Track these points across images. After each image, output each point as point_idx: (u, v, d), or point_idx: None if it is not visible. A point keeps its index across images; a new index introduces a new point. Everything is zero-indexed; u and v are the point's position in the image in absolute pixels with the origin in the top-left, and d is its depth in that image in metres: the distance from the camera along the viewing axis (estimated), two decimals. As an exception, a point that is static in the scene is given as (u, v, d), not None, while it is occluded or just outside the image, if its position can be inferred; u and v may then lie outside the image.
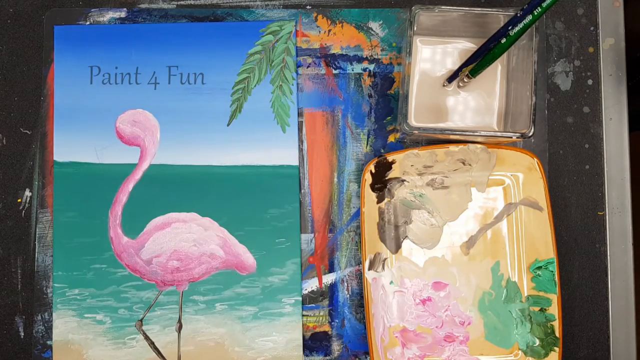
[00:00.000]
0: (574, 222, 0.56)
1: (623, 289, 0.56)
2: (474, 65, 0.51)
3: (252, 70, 0.57)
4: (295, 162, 0.56)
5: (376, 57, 0.57)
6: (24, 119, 0.57)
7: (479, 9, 0.50)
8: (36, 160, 0.56)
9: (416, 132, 0.50)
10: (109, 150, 0.56)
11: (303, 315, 0.55)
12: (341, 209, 0.56)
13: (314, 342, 0.55)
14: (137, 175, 0.56)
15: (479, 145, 0.53)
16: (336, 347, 0.55)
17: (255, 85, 0.57)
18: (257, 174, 0.56)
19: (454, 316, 0.54)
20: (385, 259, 0.54)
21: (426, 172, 0.54)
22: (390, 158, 0.54)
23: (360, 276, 0.56)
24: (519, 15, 0.47)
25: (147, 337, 0.55)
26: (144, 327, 0.55)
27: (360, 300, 0.56)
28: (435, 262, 0.55)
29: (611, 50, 0.58)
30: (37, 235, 0.56)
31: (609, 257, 0.56)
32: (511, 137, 0.50)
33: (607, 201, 0.56)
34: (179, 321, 0.55)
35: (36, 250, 0.56)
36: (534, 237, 0.54)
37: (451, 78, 0.54)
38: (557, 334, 0.52)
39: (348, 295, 0.56)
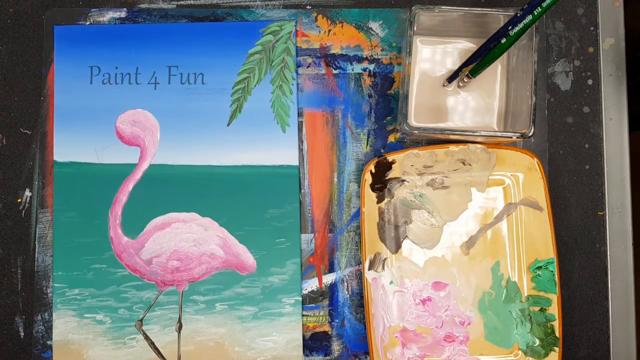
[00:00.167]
0: (574, 222, 0.56)
1: (623, 289, 0.56)
2: (474, 65, 0.51)
3: (252, 70, 0.57)
4: (295, 162, 0.56)
5: (376, 57, 0.57)
6: (24, 119, 0.57)
7: (479, 9, 0.50)
8: (36, 160, 0.56)
9: (416, 132, 0.50)
10: (109, 150, 0.56)
11: (303, 315, 0.55)
12: (341, 209, 0.56)
13: (314, 342, 0.55)
14: (137, 175, 0.56)
15: (479, 145, 0.53)
16: (336, 347, 0.55)
17: (255, 85, 0.57)
18: (257, 174, 0.56)
19: (454, 316, 0.54)
20: (385, 259, 0.54)
21: (426, 172, 0.54)
22: (390, 158, 0.54)
23: (360, 276, 0.56)
24: (519, 15, 0.47)
25: (147, 337, 0.55)
26: (144, 327, 0.55)
27: (360, 300, 0.56)
28: (435, 262, 0.55)
29: (611, 50, 0.58)
30: (37, 235, 0.56)
31: (609, 257, 0.56)
32: (511, 137, 0.50)
33: (607, 201, 0.56)
34: (179, 321, 0.55)
35: (36, 250, 0.56)
36: (534, 237, 0.54)
37: (451, 78, 0.54)
38: (557, 334, 0.52)
39: (348, 295, 0.56)
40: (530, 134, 0.49)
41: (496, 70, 0.55)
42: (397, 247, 0.55)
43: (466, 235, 0.55)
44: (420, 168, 0.54)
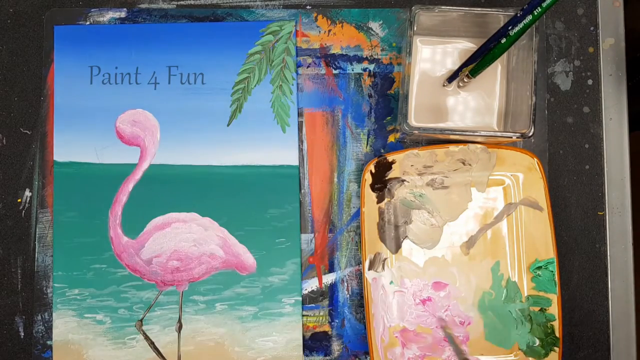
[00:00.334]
0: (574, 222, 0.56)
1: (623, 289, 0.56)
2: (474, 65, 0.51)
3: (252, 70, 0.57)
4: (295, 162, 0.56)
5: (376, 57, 0.57)
6: (24, 119, 0.57)
7: (479, 9, 0.50)
8: (36, 160, 0.56)
9: (416, 132, 0.50)
10: (109, 150, 0.56)
11: (303, 315, 0.55)
12: (341, 209, 0.56)
13: (314, 342, 0.55)
14: (137, 175, 0.56)
15: (479, 145, 0.53)
16: (336, 347, 0.55)
17: (255, 85, 0.57)
18: (257, 174, 0.56)
19: (454, 316, 0.54)
20: (385, 259, 0.54)
21: (426, 172, 0.54)
22: (390, 158, 0.54)
23: (360, 276, 0.56)
24: (519, 15, 0.47)
25: (147, 337, 0.55)
26: (144, 327, 0.55)
27: (360, 300, 0.56)
28: (435, 262, 0.55)
29: (611, 50, 0.58)
30: (37, 235, 0.56)
31: (609, 257, 0.56)
32: (511, 137, 0.50)
33: (607, 201, 0.56)
34: (179, 321, 0.55)
35: (36, 250, 0.56)
36: (534, 237, 0.54)
37: (451, 78, 0.54)
38: (557, 334, 0.52)
39: (348, 295, 0.56)
40: (530, 134, 0.49)
41: (496, 70, 0.55)
42: (397, 247, 0.55)
43: (466, 235, 0.55)
44: (420, 168, 0.54)
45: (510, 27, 0.48)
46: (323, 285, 0.56)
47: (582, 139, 0.57)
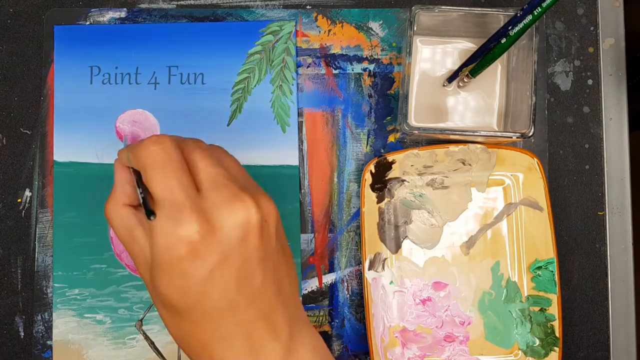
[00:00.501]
0: (574, 222, 0.56)
1: (623, 289, 0.56)
2: (474, 65, 0.51)
3: (252, 70, 0.57)
4: (295, 162, 0.56)
5: (376, 57, 0.57)
6: (24, 119, 0.57)
7: (479, 9, 0.50)
8: (36, 160, 0.56)
9: (416, 132, 0.50)
10: (109, 150, 0.56)
11: (303, 315, 0.55)
12: (341, 209, 0.56)
13: (314, 342, 0.55)
14: (137, 175, 0.56)
15: (479, 145, 0.53)
16: (336, 347, 0.55)
17: (255, 85, 0.57)
18: (257, 174, 0.56)
19: (454, 316, 0.54)
20: (385, 259, 0.54)
21: (426, 172, 0.54)
22: (390, 158, 0.54)
23: (360, 276, 0.56)
24: (519, 15, 0.47)
25: (147, 337, 0.55)
26: (144, 327, 0.55)
27: (360, 300, 0.56)
28: (435, 262, 0.55)
29: (611, 50, 0.58)
30: (37, 235, 0.56)
31: (609, 257, 0.56)
32: (511, 137, 0.50)
33: (607, 201, 0.56)
34: (179, 321, 0.55)
35: (36, 250, 0.56)
36: (534, 237, 0.54)
37: (451, 78, 0.54)
38: (557, 334, 0.52)
39: (348, 295, 0.56)
40: (530, 134, 0.49)
41: (496, 70, 0.55)
42: (397, 247, 0.55)
43: (466, 235, 0.55)
44: (420, 168, 0.54)
45: (510, 27, 0.48)
46: (323, 285, 0.56)
47: (582, 139, 0.57)
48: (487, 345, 0.54)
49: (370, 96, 0.57)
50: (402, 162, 0.54)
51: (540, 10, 0.46)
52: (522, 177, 0.54)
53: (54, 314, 0.55)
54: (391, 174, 0.54)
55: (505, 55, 0.54)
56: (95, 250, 0.55)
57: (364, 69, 0.57)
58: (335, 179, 0.56)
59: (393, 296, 0.54)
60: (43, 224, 0.56)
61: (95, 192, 0.56)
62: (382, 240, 0.54)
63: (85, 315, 0.55)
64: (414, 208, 0.55)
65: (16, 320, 0.55)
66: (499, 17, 0.51)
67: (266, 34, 0.57)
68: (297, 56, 0.57)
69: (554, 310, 0.53)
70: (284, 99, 0.57)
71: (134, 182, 0.40)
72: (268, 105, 0.56)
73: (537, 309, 0.53)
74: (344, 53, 0.57)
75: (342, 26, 0.57)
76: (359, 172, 0.56)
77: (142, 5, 0.58)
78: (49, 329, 0.55)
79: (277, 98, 0.57)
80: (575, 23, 0.58)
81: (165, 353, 0.55)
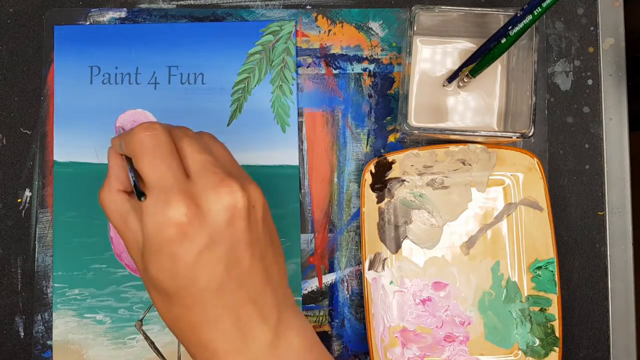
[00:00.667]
0: (574, 222, 0.56)
1: (623, 289, 0.56)
2: (474, 65, 0.51)
3: (252, 70, 0.57)
4: (295, 162, 0.56)
5: (376, 57, 0.57)
6: (24, 119, 0.57)
7: (479, 9, 0.50)
8: (36, 160, 0.56)
9: (416, 132, 0.50)
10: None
11: (303, 315, 0.55)
12: (341, 209, 0.56)
13: (314, 342, 0.55)
14: (137, 175, 0.56)
15: (479, 145, 0.53)
16: (336, 347, 0.55)
17: (255, 85, 0.57)
18: (257, 174, 0.56)
19: (454, 316, 0.54)
20: (385, 259, 0.54)
21: (426, 172, 0.54)
22: (390, 158, 0.54)
23: (360, 276, 0.56)
24: (519, 15, 0.47)
25: (147, 337, 0.55)
26: (144, 327, 0.55)
27: (360, 300, 0.56)
28: (435, 262, 0.55)
29: (611, 50, 0.58)
30: (37, 235, 0.56)
31: (609, 257, 0.56)
32: (511, 137, 0.50)
33: (607, 201, 0.56)
34: (179, 321, 0.55)
35: (36, 250, 0.56)
36: (534, 237, 0.54)
37: (451, 78, 0.54)
38: (557, 334, 0.52)
39: (348, 295, 0.56)
40: (530, 134, 0.49)
41: (496, 70, 0.55)
42: (397, 247, 0.55)
43: (466, 235, 0.55)
44: (420, 168, 0.54)
45: (510, 27, 0.48)
46: (323, 285, 0.56)
47: (582, 139, 0.57)
48: (487, 345, 0.54)
49: (370, 96, 0.57)
50: (402, 162, 0.54)
51: (540, 10, 0.46)
52: (522, 177, 0.54)
53: (54, 314, 0.55)
54: (391, 174, 0.54)
55: (505, 55, 0.54)
56: (95, 250, 0.55)
57: (364, 69, 0.57)
58: (335, 179, 0.56)
59: (393, 296, 0.54)
60: (43, 224, 0.56)
61: (95, 192, 0.55)
62: (382, 240, 0.54)
63: (85, 315, 0.55)
64: (414, 208, 0.55)
65: (16, 320, 0.55)
66: (499, 17, 0.51)
67: (266, 34, 0.57)
68: (297, 56, 0.57)
69: (554, 310, 0.53)
70: (284, 99, 0.57)
71: (126, 168, 0.41)
72: (268, 105, 0.56)
73: (537, 309, 0.53)
74: (344, 53, 0.57)
75: (342, 26, 0.57)
76: (359, 172, 0.56)
77: (142, 5, 0.58)
78: (49, 329, 0.55)
79: (277, 98, 0.57)
80: (575, 23, 0.58)
81: (165, 353, 0.55)
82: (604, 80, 0.57)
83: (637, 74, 0.72)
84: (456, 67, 0.54)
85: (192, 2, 0.58)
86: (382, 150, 0.57)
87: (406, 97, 0.51)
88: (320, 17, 0.57)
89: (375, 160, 0.53)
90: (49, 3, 0.57)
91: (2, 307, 0.55)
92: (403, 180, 0.54)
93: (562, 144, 0.57)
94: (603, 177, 0.57)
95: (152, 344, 0.55)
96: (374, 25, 0.57)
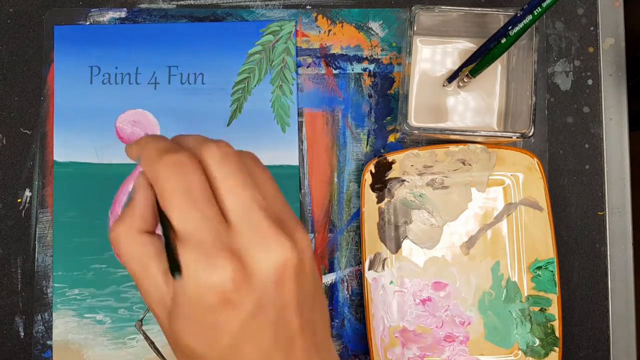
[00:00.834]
0: (574, 222, 0.56)
1: (623, 289, 0.56)
2: (474, 65, 0.51)
3: (252, 70, 0.57)
4: (295, 162, 0.56)
5: (376, 57, 0.57)
6: (24, 119, 0.57)
7: (479, 9, 0.50)
8: (36, 160, 0.56)
9: (416, 132, 0.50)
10: (109, 150, 0.56)
11: (303, 315, 0.55)
12: (341, 209, 0.56)
13: (314, 342, 0.55)
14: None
15: (479, 145, 0.53)
16: (336, 347, 0.55)
17: (255, 85, 0.57)
18: (257, 174, 0.56)
19: (454, 316, 0.54)
20: (385, 259, 0.54)
21: (426, 172, 0.54)
22: (390, 158, 0.54)
23: (360, 276, 0.56)
24: (519, 15, 0.47)
25: (147, 337, 0.55)
26: (144, 327, 0.55)
27: (360, 300, 0.56)
28: (435, 262, 0.55)
29: (611, 50, 0.58)
30: (37, 235, 0.56)
31: (609, 257, 0.56)
32: (511, 137, 0.50)
33: (607, 201, 0.56)
34: (179, 321, 0.55)
35: (36, 250, 0.56)
36: (534, 237, 0.54)
37: (451, 78, 0.54)
38: (557, 334, 0.52)
39: (348, 295, 0.56)
40: (530, 134, 0.49)
41: (496, 70, 0.55)
42: (397, 247, 0.55)
43: (466, 235, 0.55)
44: (420, 168, 0.54)
45: (510, 27, 0.48)
46: (323, 285, 0.56)
47: (582, 139, 0.57)
48: (487, 345, 0.54)
49: (370, 96, 0.57)
50: (402, 162, 0.54)
51: (540, 10, 0.46)
52: (522, 177, 0.54)
53: (54, 314, 0.55)
54: (391, 174, 0.54)
55: (505, 55, 0.54)
56: (95, 250, 0.55)
57: (364, 69, 0.57)
58: (335, 179, 0.56)
59: (393, 296, 0.54)
60: (43, 224, 0.56)
61: (95, 192, 0.56)
62: (382, 240, 0.54)
63: (85, 315, 0.55)
64: (414, 208, 0.55)
65: (16, 320, 0.55)
66: (499, 17, 0.51)
67: (266, 34, 0.57)
68: (297, 56, 0.57)
69: (554, 310, 0.53)
70: (284, 99, 0.57)
71: (156, 209, 0.34)
72: (268, 105, 0.56)
73: (537, 309, 0.53)
74: (344, 53, 0.57)
75: (342, 26, 0.57)
76: (359, 172, 0.56)
77: (142, 5, 0.58)
78: (49, 329, 0.55)
79: (277, 98, 0.57)
80: (575, 23, 0.58)
81: (165, 353, 0.55)
82: (604, 80, 0.57)
83: (637, 74, 0.72)
84: (456, 67, 0.54)
85: (192, 2, 0.58)
86: (382, 150, 0.57)
87: (406, 97, 0.51)
88: (320, 17, 0.57)
89: (375, 160, 0.53)
90: (49, 3, 0.57)
91: (2, 307, 0.55)
92: (403, 180, 0.54)
93: (562, 144, 0.57)
94: (603, 177, 0.57)
95: (152, 344, 0.55)
96: (374, 25, 0.57)
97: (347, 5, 0.58)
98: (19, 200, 0.56)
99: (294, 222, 0.33)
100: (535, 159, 0.53)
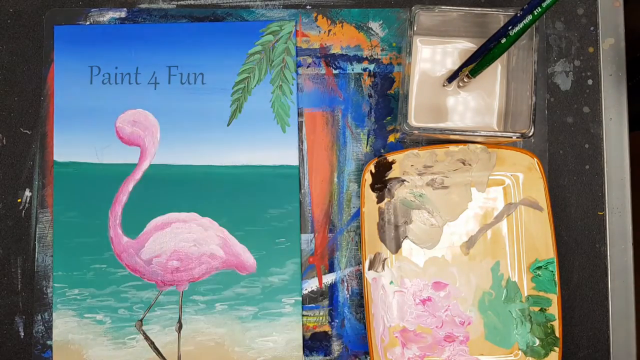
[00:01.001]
0: (574, 222, 0.56)
1: (623, 289, 0.56)
2: (474, 65, 0.51)
3: (252, 70, 0.57)
4: (295, 162, 0.56)
5: (376, 57, 0.57)
6: (24, 119, 0.57)
7: (479, 9, 0.50)
8: (36, 160, 0.56)
9: (416, 132, 0.50)
10: (109, 150, 0.56)
11: (303, 315, 0.55)
12: (341, 209, 0.56)
13: (314, 342, 0.55)
14: (137, 175, 0.56)
15: (479, 145, 0.53)
16: (336, 347, 0.55)
17: (255, 85, 0.57)
18: (257, 174, 0.56)
19: (454, 316, 0.54)
20: (385, 259, 0.54)
21: (426, 172, 0.54)
22: (390, 158, 0.54)
23: (360, 276, 0.56)
24: (519, 15, 0.47)
25: (147, 337, 0.55)
26: (144, 327, 0.55)
27: (360, 300, 0.56)
28: (435, 262, 0.55)
29: (611, 50, 0.58)
30: (37, 235, 0.56)
31: (609, 257, 0.56)
32: (511, 137, 0.50)
33: (607, 201, 0.56)
34: (179, 321, 0.55)
35: (36, 250, 0.56)
36: (534, 237, 0.54)
37: (451, 78, 0.54)
38: (557, 334, 0.52)
39: (348, 295, 0.56)
40: (530, 134, 0.49)
41: (496, 70, 0.55)
42: (397, 247, 0.55)
43: (466, 235, 0.55)
44: (420, 168, 0.54)
45: (510, 27, 0.48)
46: (323, 285, 0.56)
47: (582, 139, 0.57)
48: (487, 345, 0.54)
49: (370, 96, 0.57)
50: (402, 162, 0.54)
51: (540, 10, 0.46)
52: (522, 177, 0.54)
53: (54, 314, 0.55)
54: (391, 174, 0.54)
55: (505, 55, 0.54)
56: (95, 250, 0.55)
57: (364, 69, 0.57)
58: (335, 179, 0.56)
59: (393, 296, 0.54)
60: (43, 224, 0.56)
61: (95, 192, 0.56)
62: (382, 240, 0.54)
63: (85, 315, 0.55)
64: (414, 208, 0.55)
65: (16, 320, 0.55)
66: (499, 17, 0.51)
67: (266, 34, 0.57)
68: (297, 56, 0.57)
69: (554, 310, 0.53)
70: (284, 99, 0.57)
71: None
72: (268, 105, 0.56)
73: (537, 309, 0.53)
74: (344, 53, 0.57)
75: (342, 26, 0.57)
76: (359, 172, 0.56)
77: (142, 5, 0.58)
78: (49, 329, 0.55)
79: (277, 98, 0.57)
80: (575, 23, 0.58)
81: (165, 353, 0.55)
82: (604, 80, 0.57)
83: (637, 74, 0.72)
84: (456, 67, 0.54)
85: (192, 2, 0.58)
86: (382, 150, 0.57)
87: (406, 97, 0.51)
88: (320, 17, 0.57)
89: (375, 160, 0.53)
90: (49, 3, 0.57)
91: (2, 307, 0.55)
92: (403, 180, 0.54)
93: (562, 144, 0.57)
94: (603, 177, 0.57)
95: (152, 344, 0.55)
96: (374, 25, 0.57)
97: (347, 5, 0.58)
98: (19, 200, 0.56)
99: None
100: (535, 159, 0.53)
